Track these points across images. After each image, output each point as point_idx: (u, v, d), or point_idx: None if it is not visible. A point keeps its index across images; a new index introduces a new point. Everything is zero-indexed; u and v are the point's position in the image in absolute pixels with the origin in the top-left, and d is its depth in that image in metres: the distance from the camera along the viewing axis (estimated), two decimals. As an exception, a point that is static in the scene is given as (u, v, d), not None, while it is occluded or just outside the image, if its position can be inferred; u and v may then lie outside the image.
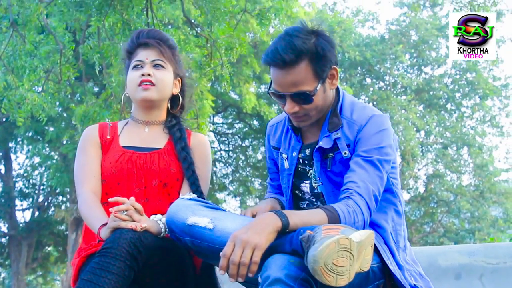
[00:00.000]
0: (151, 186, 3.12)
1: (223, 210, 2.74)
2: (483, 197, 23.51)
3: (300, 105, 2.78)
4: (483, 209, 23.43)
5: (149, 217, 2.83)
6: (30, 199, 24.78)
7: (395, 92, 24.35)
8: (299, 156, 2.97)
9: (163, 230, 2.78)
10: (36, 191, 24.73)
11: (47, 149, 20.08)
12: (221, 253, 2.39)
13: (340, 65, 13.36)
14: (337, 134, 2.81)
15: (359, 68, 23.97)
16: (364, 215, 2.63)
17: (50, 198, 24.52)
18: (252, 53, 16.57)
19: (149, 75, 3.18)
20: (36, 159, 21.85)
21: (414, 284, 2.73)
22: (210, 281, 3.09)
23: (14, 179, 23.83)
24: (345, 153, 2.78)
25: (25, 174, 24.42)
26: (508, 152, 32.53)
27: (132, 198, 2.79)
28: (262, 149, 22.19)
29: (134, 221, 2.70)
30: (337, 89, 2.93)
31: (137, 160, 3.15)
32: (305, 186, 2.96)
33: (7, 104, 9.90)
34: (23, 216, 28.07)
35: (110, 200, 2.79)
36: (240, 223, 2.57)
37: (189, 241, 2.64)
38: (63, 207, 23.75)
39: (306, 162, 2.94)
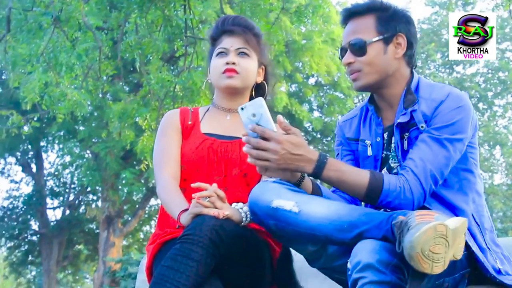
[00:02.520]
0: (231, 175, 3.07)
1: (308, 194, 2.68)
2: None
3: (354, 56, 2.81)
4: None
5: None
6: (61, 198, 24.95)
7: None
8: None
9: (244, 219, 2.74)
10: (67, 190, 24.89)
11: (78, 148, 20.15)
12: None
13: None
14: (413, 108, 2.75)
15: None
16: (414, 195, 2.58)
17: (80, 196, 24.66)
18: (284, 53, 16.52)
19: (233, 63, 3.15)
20: (67, 158, 21.91)
21: (499, 268, 2.66)
22: (287, 273, 3.05)
23: (45, 178, 24.00)
24: (422, 126, 2.71)
25: (56, 173, 24.49)
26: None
27: (215, 185, 2.75)
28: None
29: (216, 208, 2.66)
30: (412, 73, 2.90)
31: (218, 148, 3.11)
32: (383, 170, 2.90)
33: (47, 100, 9.91)
34: (54, 214, 28.34)
35: (192, 185, 2.74)
36: (326, 206, 2.52)
37: (273, 224, 2.57)
38: (93, 205, 23.92)
39: (385, 146, 2.90)
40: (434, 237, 2.20)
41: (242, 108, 2.54)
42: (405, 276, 2.33)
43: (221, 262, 2.60)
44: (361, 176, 2.60)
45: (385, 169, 2.87)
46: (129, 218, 21.98)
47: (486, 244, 2.71)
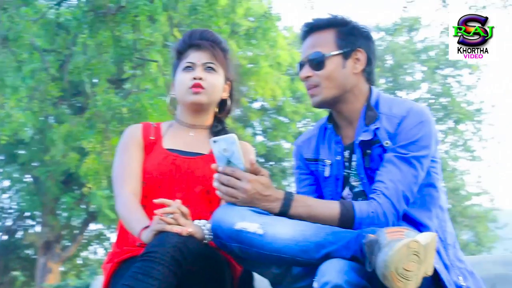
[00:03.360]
0: (193, 192, 3.02)
1: (271, 215, 2.62)
2: (455, 221, 23.71)
3: (312, 69, 2.80)
4: (455, 233, 23.72)
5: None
6: (-1, 223, 24.36)
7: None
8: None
9: (207, 236, 2.68)
10: (5, 215, 24.33)
11: (18, 172, 19.80)
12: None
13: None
14: (375, 125, 2.73)
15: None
16: (388, 219, 2.56)
17: (18, 222, 24.13)
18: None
19: (200, 78, 3.08)
20: (6, 183, 21.51)
21: (461, 285, 2.65)
22: None
23: (-18, 203, 23.43)
24: (386, 143, 2.68)
25: (-6, 198, 23.96)
26: (479, 176, 32.94)
27: (178, 201, 2.70)
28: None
29: (179, 225, 2.61)
30: (371, 88, 2.88)
31: (181, 164, 3.06)
32: (346, 190, 2.87)
33: (-10, 122, 9.71)
34: (-10, 240, 27.64)
35: (155, 201, 2.70)
36: (292, 227, 2.49)
37: (237, 247, 2.53)
38: (31, 230, 23.44)
39: (347, 165, 2.87)
40: (408, 254, 2.19)
41: (214, 141, 2.57)
42: None
43: (182, 281, 2.54)
44: (330, 209, 2.58)
45: (347, 188, 2.84)
46: (68, 244, 21.62)
47: (450, 260, 2.69)
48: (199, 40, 3.16)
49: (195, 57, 3.14)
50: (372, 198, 2.59)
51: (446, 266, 2.66)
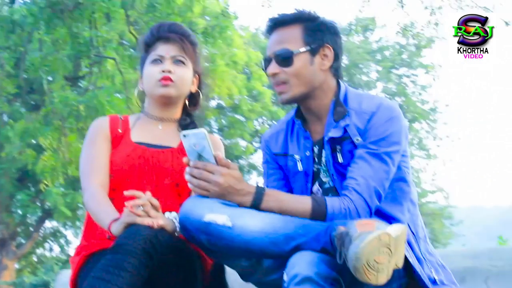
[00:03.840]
0: (163, 184, 3.00)
1: (238, 206, 2.62)
2: (410, 219, 24.11)
3: (280, 66, 2.77)
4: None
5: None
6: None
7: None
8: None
9: (178, 228, 2.67)
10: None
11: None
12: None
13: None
14: (345, 121, 2.72)
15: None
16: (361, 215, 2.56)
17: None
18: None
19: (169, 71, 3.06)
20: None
21: (435, 278, 2.68)
22: (220, 286, 3.00)
23: None
24: (357, 139, 2.69)
25: None
26: (434, 174, 33.38)
27: (149, 193, 2.68)
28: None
29: (150, 217, 2.59)
30: (339, 83, 2.87)
31: (150, 157, 3.04)
32: (315, 185, 2.86)
33: None
34: None
35: (125, 193, 2.67)
36: (261, 219, 2.49)
37: (205, 239, 2.52)
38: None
39: (316, 160, 2.86)
40: (379, 247, 2.20)
41: (184, 136, 2.57)
42: None
43: (153, 273, 2.52)
44: (302, 204, 2.57)
45: (317, 184, 2.84)
46: (23, 241, 21.44)
47: (422, 254, 2.71)
48: (167, 32, 3.14)
49: (164, 50, 3.11)
50: (344, 195, 2.59)
51: (419, 260, 2.67)
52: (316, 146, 2.84)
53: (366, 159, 2.64)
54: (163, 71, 3.06)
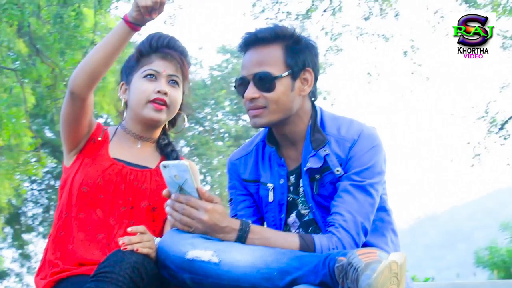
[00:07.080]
0: (139, 207, 2.77)
1: (221, 240, 2.41)
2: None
3: (260, 91, 2.54)
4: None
5: None
6: None
7: (214, 137, 24.79)
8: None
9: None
10: None
11: None
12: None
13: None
14: (325, 150, 2.56)
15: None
16: None
17: None
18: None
19: (165, 93, 2.81)
20: None
21: None
22: None
23: None
24: (337, 171, 2.53)
25: None
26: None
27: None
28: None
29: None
30: (314, 106, 2.71)
31: (127, 175, 2.79)
32: (291, 217, 2.71)
33: None
34: None
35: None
36: (250, 253, 2.32)
37: (189, 278, 2.32)
38: None
39: (291, 189, 2.69)
40: (390, 276, 2.09)
41: (164, 166, 2.37)
42: None
43: None
44: (289, 243, 2.41)
45: (293, 214, 2.69)
46: None
47: (407, 284, 2.57)
48: (166, 48, 2.89)
49: (161, 66, 2.86)
50: (331, 232, 2.45)
51: None
52: (293, 175, 2.67)
53: (351, 192, 2.50)
54: (159, 92, 2.82)
